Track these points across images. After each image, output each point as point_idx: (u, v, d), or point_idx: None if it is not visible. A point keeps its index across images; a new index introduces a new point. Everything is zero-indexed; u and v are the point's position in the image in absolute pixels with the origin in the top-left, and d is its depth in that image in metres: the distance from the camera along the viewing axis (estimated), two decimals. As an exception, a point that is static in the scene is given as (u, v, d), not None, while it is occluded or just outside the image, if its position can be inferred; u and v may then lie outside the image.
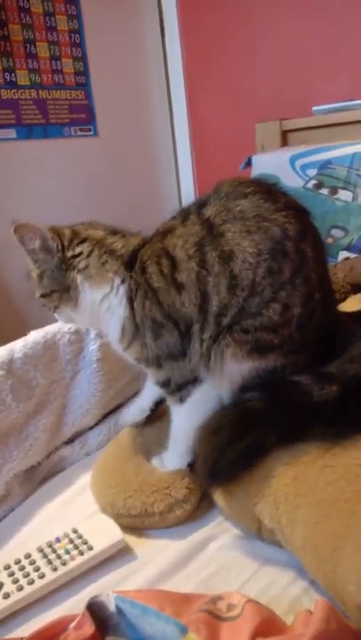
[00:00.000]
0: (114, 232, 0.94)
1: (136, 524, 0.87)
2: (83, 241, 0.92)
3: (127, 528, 0.86)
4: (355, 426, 0.77)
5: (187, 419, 0.89)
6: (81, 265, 0.90)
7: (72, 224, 0.96)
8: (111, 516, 0.88)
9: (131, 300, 0.88)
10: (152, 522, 0.87)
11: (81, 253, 0.90)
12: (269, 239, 0.80)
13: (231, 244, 0.81)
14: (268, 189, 0.85)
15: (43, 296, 0.94)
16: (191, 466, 0.90)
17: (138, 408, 1.06)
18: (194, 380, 0.88)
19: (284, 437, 0.78)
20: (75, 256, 0.91)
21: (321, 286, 0.83)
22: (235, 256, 0.80)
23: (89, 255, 0.90)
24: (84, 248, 0.91)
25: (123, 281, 0.88)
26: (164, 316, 0.85)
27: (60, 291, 0.91)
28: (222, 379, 0.85)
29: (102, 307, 0.90)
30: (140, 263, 0.87)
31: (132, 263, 0.89)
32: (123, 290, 0.88)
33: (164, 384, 0.90)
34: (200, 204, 0.86)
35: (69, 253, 0.91)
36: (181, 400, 0.89)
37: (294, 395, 0.78)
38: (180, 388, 0.89)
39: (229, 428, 0.77)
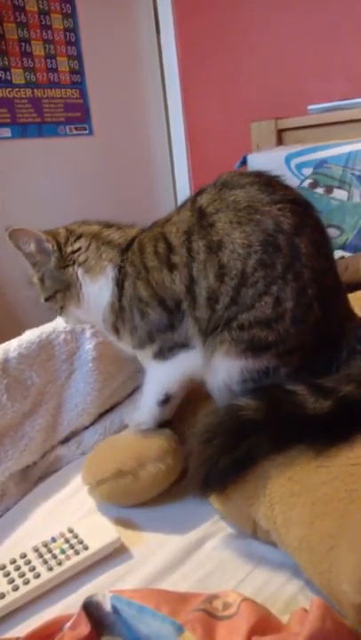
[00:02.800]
0: (108, 225, 0.98)
1: (114, 489, 0.89)
2: (79, 237, 0.95)
3: (117, 521, 0.87)
4: (341, 440, 0.77)
5: (164, 376, 0.92)
6: (81, 258, 0.93)
7: (64, 225, 0.98)
8: (95, 489, 0.91)
9: (120, 283, 0.90)
10: (127, 483, 0.88)
11: (80, 248, 0.94)
12: (261, 231, 0.80)
13: (221, 234, 0.82)
14: (268, 181, 0.85)
15: (47, 299, 0.97)
16: (164, 426, 0.94)
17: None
18: (181, 346, 0.89)
19: (276, 448, 0.78)
20: (74, 252, 0.93)
21: (318, 282, 0.81)
22: (224, 246, 0.81)
23: (87, 249, 0.93)
24: (82, 243, 0.94)
25: (115, 266, 0.91)
26: (150, 294, 0.87)
27: (63, 289, 0.94)
28: (212, 373, 0.86)
29: (99, 297, 0.93)
30: (139, 245, 0.91)
31: (127, 249, 0.92)
32: (112, 275, 0.91)
33: (158, 353, 0.91)
34: (198, 192, 0.88)
35: (68, 249, 0.94)
36: (165, 358, 0.90)
37: (289, 405, 0.77)
38: (169, 349, 0.90)
39: (222, 437, 0.77)
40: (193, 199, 0.88)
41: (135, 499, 0.91)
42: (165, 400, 0.93)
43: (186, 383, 0.92)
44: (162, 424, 0.97)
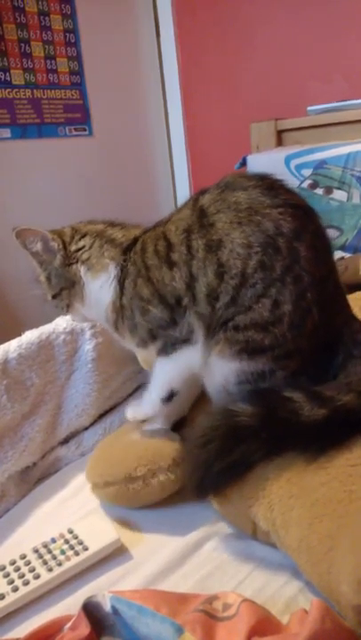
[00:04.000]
0: (113, 224, 0.99)
1: (121, 493, 0.88)
2: (84, 235, 0.96)
3: (117, 524, 0.87)
4: (335, 448, 0.77)
5: (167, 371, 0.92)
6: (84, 256, 0.94)
7: (70, 224, 1.00)
8: (100, 489, 0.91)
9: (121, 282, 0.91)
10: (136, 489, 0.87)
11: (83, 247, 0.95)
12: (261, 232, 0.80)
13: (220, 234, 0.82)
14: (271, 185, 0.85)
15: (54, 297, 0.98)
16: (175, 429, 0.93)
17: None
18: (183, 342, 0.89)
19: (270, 454, 0.78)
20: (78, 250, 0.95)
21: (318, 287, 0.81)
22: (223, 245, 0.82)
23: (91, 247, 0.94)
24: (86, 241, 0.95)
25: (117, 265, 0.92)
26: (151, 292, 0.88)
27: (68, 287, 0.95)
28: (209, 374, 0.86)
29: (101, 295, 0.93)
30: (142, 244, 0.91)
31: (130, 248, 0.92)
32: (114, 273, 0.92)
33: (161, 350, 0.91)
34: (201, 192, 0.89)
35: (73, 248, 0.95)
36: (168, 353, 0.90)
37: (284, 412, 0.77)
38: (172, 345, 0.90)
39: (218, 442, 0.77)
40: (195, 198, 0.88)
41: (140, 503, 0.90)
42: (169, 397, 0.92)
43: (190, 379, 0.91)
44: (173, 427, 0.97)
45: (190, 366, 0.89)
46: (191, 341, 0.88)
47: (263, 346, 0.81)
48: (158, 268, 0.88)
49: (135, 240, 0.94)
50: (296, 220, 0.81)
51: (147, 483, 0.87)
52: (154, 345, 0.92)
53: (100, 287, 0.93)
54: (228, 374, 0.84)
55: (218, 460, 0.77)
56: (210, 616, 0.63)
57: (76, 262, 0.94)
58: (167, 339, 0.90)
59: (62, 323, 1.14)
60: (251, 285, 0.80)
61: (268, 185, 0.85)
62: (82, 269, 0.94)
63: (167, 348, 0.90)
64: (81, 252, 0.95)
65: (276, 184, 0.86)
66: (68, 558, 0.79)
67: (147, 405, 0.95)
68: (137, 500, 0.89)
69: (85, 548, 0.81)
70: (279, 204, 0.82)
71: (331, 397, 0.78)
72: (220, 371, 0.84)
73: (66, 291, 0.96)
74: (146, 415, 0.95)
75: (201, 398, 0.96)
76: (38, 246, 0.95)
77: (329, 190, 1.80)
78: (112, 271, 0.92)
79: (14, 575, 0.77)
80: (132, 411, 0.98)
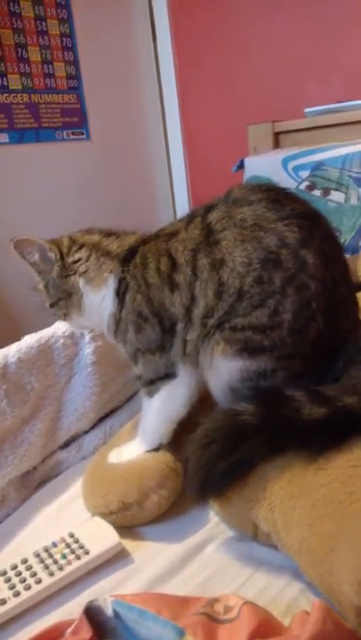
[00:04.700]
0: (109, 234, 0.98)
1: (120, 520, 0.87)
2: (80, 247, 0.96)
3: (119, 529, 0.86)
4: (335, 447, 0.77)
5: (154, 414, 0.93)
6: (81, 269, 0.94)
7: (70, 233, 1.00)
8: (100, 517, 0.89)
9: (121, 295, 0.91)
10: (133, 514, 0.87)
11: (80, 259, 0.95)
12: (262, 249, 0.80)
13: (224, 252, 0.82)
14: (276, 197, 0.85)
15: (52, 306, 0.98)
16: (158, 449, 0.93)
17: None
18: (164, 377, 0.90)
19: (272, 452, 0.78)
20: (75, 262, 0.95)
21: (326, 294, 0.80)
22: (225, 264, 0.82)
23: (87, 259, 0.95)
24: (83, 254, 0.95)
25: (115, 277, 0.92)
26: (151, 311, 0.88)
27: (65, 298, 0.96)
28: (212, 375, 0.86)
29: (102, 307, 0.94)
30: (142, 258, 0.91)
31: (128, 259, 0.92)
32: (114, 286, 0.92)
33: (137, 377, 0.94)
34: (208, 208, 0.88)
35: (70, 259, 0.95)
36: (150, 394, 0.92)
37: (285, 410, 0.77)
38: (150, 382, 0.91)
39: (220, 442, 0.77)
40: (204, 215, 0.87)
41: (141, 523, 0.89)
42: (156, 449, 0.93)
43: (177, 419, 0.92)
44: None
45: (173, 405, 0.91)
46: (171, 376, 0.89)
47: (263, 346, 0.81)
48: (160, 288, 0.87)
49: (131, 249, 0.93)
50: (303, 229, 0.81)
51: (141, 506, 0.87)
52: (135, 367, 0.93)
53: (102, 300, 0.94)
54: (232, 372, 0.84)
55: (220, 460, 0.77)
56: (211, 619, 0.63)
57: (74, 274, 0.95)
58: (147, 367, 0.91)
59: (62, 327, 1.14)
60: (246, 299, 0.80)
61: (274, 197, 0.85)
62: (80, 282, 0.94)
63: (148, 385, 0.91)
64: (78, 264, 0.95)
65: (282, 195, 0.86)
66: (69, 562, 0.79)
67: (135, 448, 0.95)
68: (137, 522, 0.89)
69: (87, 552, 0.81)
70: (285, 217, 0.81)
71: (333, 397, 0.78)
72: (224, 370, 0.84)
73: (63, 301, 0.96)
74: (133, 455, 0.94)
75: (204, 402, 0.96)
76: (36, 257, 0.95)
77: (327, 192, 1.80)
78: (111, 284, 0.92)
79: (16, 580, 0.77)
80: (118, 453, 0.96)
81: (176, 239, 0.89)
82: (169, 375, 0.90)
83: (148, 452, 0.93)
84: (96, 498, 0.89)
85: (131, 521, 0.88)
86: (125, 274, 0.91)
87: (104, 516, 0.88)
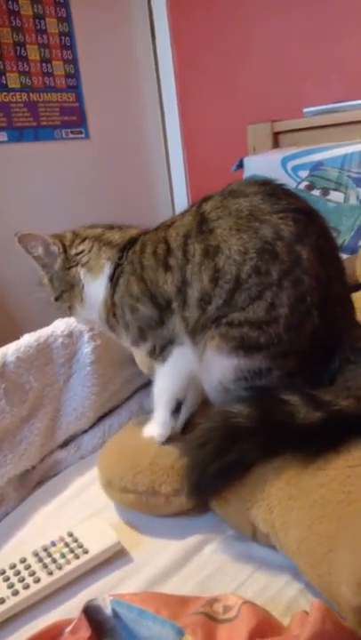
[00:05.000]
0: (111, 227, 1.00)
1: (139, 502, 0.87)
2: (83, 240, 0.98)
3: (118, 526, 0.86)
4: (330, 450, 0.77)
5: (167, 379, 0.93)
6: (83, 260, 0.96)
7: (72, 229, 1.02)
8: (115, 491, 0.89)
9: (115, 280, 0.93)
10: (155, 503, 0.87)
11: (83, 251, 0.97)
12: (258, 239, 0.80)
13: (219, 240, 0.83)
14: (273, 190, 0.85)
15: (57, 299, 1.00)
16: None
17: None
18: (174, 343, 0.90)
19: (265, 455, 0.78)
20: (77, 254, 0.97)
21: (320, 290, 0.81)
22: (220, 251, 0.82)
23: (90, 250, 0.96)
24: (85, 245, 0.97)
25: (112, 264, 0.94)
26: (141, 290, 0.89)
27: (68, 290, 0.97)
28: (203, 370, 0.86)
29: (98, 295, 0.95)
30: (141, 245, 0.93)
31: (127, 247, 0.94)
32: (109, 272, 0.94)
33: (151, 352, 0.94)
34: (205, 199, 0.89)
35: (73, 251, 0.97)
36: (163, 360, 0.92)
37: (280, 414, 0.77)
38: (162, 349, 0.92)
39: (214, 443, 0.77)
40: (198, 204, 0.89)
41: (154, 514, 0.89)
42: (177, 408, 0.94)
43: (191, 381, 0.92)
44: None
45: (188, 367, 0.90)
46: (177, 342, 0.89)
47: (259, 343, 0.81)
48: (154, 269, 0.89)
49: (132, 239, 0.95)
50: (298, 223, 0.81)
51: (169, 501, 0.86)
52: (145, 345, 0.93)
53: (98, 287, 0.95)
54: (225, 370, 0.84)
55: (215, 460, 0.77)
56: (210, 618, 0.63)
57: (76, 265, 0.96)
58: (156, 339, 0.91)
59: (60, 325, 1.14)
60: (244, 289, 0.80)
61: (270, 191, 0.85)
62: (81, 272, 0.96)
63: (161, 353, 0.91)
64: (80, 255, 0.96)
65: (278, 189, 0.87)
66: (68, 562, 0.79)
67: (160, 425, 0.95)
68: (152, 511, 0.89)
69: (85, 552, 0.81)
70: (280, 210, 0.82)
71: (328, 402, 0.78)
72: (217, 367, 0.84)
73: (66, 293, 0.98)
74: (163, 437, 0.94)
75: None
76: (40, 250, 0.97)
77: (326, 192, 1.80)
78: (107, 270, 0.94)
79: (14, 579, 0.77)
80: (148, 432, 0.96)
81: (172, 227, 0.91)
82: (178, 341, 0.89)
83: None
84: (125, 470, 0.89)
85: (147, 508, 0.88)
86: (123, 260, 0.93)
87: (123, 491, 0.88)
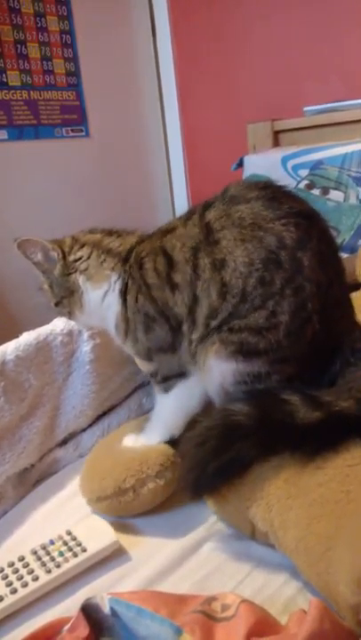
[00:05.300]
0: (110, 233, 0.99)
1: (114, 506, 0.88)
2: (82, 246, 0.97)
3: (116, 525, 0.86)
4: (329, 450, 0.77)
5: (169, 409, 0.94)
6: (82, 267, 0.96)
7: (73, 233, 1.01)
8: (94, 504, 0.90)
9: (123, 295, 0.92)
10: (127, 500, 0.87)
11: (81, 257, 0.96)
12: (263, 249, 0.80)
13: (224, 252, 0.82)
14: (274, 195, 0.85)
15: (57, 304, 1.00)
16: (172, 443, 0.92)
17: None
18: (179, 375, 0.90)
19: (264, 454, 0.78)
20: (76, 260, 0.96)
21: (321, 295, 0.80)
22: (226, 264, 0.81)
23: (89, 257, 0.96)
24: (84, 252, 0.97)
25: (119, 277, 0.93)
26: (157, 311, 0.88)
27: (68, 296, 0.97)
28: (206, 376, 0.86)
29: (104, 305, 0.95)
30: (137, 258, 0.92)
31: (127, 259, 0.93)
32: (118, 286, 0.93)
33: (152, 374, 0.94)
34: (205, 206, 0.88)
35: (71, 258, 0.96)
36: (166, 390, 0.93)
37: (279, 414, 0.77)
38: (165, 379, 0.92)
39: (214, 441, 0.77)
40: (201, 213, 0.87)
41: (135, 512, 0.90)
42: (169, 441, 0.94)
43: (190, 415, 0.92)
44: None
45: (190, 404, 0.91)
46: (184, 374, 0.90)
47: (258, 349, 0.81)
48: (160, 288, 0.88)
49: (132, 249, 0.94)
50: (300, 229, 0.81)
51: (137, 493, 0.87)
52: (148, 365, 0.94)
53: (102, 296, 0.94)
54: (225, 374, 0.84)
55: (214, 458, 0.77)
56: (209, 617, 0.63)
57: (75, 272, 0.96)
58: (161, 365, 0.91)
59: (60, 324, 1.14)
60: (249, 300, 0.80)
61: (271, 195, 0.84)
62: (80, 279, 0.95)
63: (165, 385, 0.92)
64: (79, 262, 0.96)
65: (279, 193, 0.86)
66: (66, 560, 0.79)
67: (150, 436, 0.95)
68: (131, 511, 0.89)
69: (84, 550, 0.81)
70: (282, 216, 0.81)
71: (328, 402, 0.78)
72: (217, 371, 0.84)
73: (66, 299, 0.97)
74: (150, 443, 0.95)
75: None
76: (39, 256, 0.97)
77: (326, 191, 1.80)
78: (113, 282, 0.93)
79: (13, 577, 0.77)
80: (134, 438, 0.97)
81: (173, 235, 0.89)
82: (183, 373, 0.90)
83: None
84: (93, 482, 0.90)
85: (124, 509, 0.88)
86: (125, 274, 0.92)
87: (99, 501, 0.89)
